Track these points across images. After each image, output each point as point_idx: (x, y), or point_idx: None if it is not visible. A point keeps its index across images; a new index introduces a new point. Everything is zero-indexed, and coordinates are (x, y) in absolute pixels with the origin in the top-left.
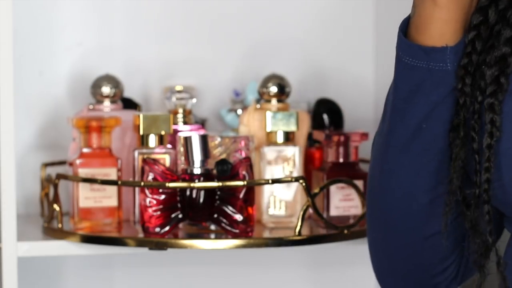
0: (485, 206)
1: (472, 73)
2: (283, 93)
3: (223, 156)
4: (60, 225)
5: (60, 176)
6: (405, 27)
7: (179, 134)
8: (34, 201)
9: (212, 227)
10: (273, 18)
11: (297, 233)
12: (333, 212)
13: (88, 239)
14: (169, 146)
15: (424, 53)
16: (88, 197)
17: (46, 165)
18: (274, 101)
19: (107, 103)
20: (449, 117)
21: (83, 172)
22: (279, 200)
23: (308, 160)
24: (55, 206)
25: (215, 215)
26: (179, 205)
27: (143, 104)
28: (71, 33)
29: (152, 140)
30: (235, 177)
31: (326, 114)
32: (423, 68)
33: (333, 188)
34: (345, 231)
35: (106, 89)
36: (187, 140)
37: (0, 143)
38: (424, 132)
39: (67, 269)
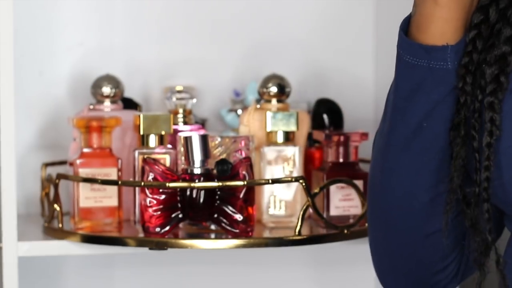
0: (484, 205)
1: (473, 72)
2: (283, 93)
3: (223, 156)
4: (60, 225)
5: (60, 176)
6: (406, 26)
7: (180, 134)
8: (35, 201)
9: (212, 227)
10: (273, 18)
11: (297, 233)
12: (333, 212)
13: (89, 239)
14: (169, 146)
15: (425, 51)
16: (89, 197)
17: (47, 165)
18: (274, 101)
19: (107, 103)
20: (449, 115)
21: (83, 172)
22: (279, 200)
23: (308, 160)
24: (56, 206)
25: (215, 215)
26: (179, 205)
27: (144, 104)
28: (72, 33)
29: (153, 140)
30: (235, 177)
31: (326, 114)
32: (424, 66)
33: (333, 188)
34: (345, 231)
35: (106, 89)
36: (187, 140)
37: (0, 143)
38: (425, 130)
39: (68, 269)
